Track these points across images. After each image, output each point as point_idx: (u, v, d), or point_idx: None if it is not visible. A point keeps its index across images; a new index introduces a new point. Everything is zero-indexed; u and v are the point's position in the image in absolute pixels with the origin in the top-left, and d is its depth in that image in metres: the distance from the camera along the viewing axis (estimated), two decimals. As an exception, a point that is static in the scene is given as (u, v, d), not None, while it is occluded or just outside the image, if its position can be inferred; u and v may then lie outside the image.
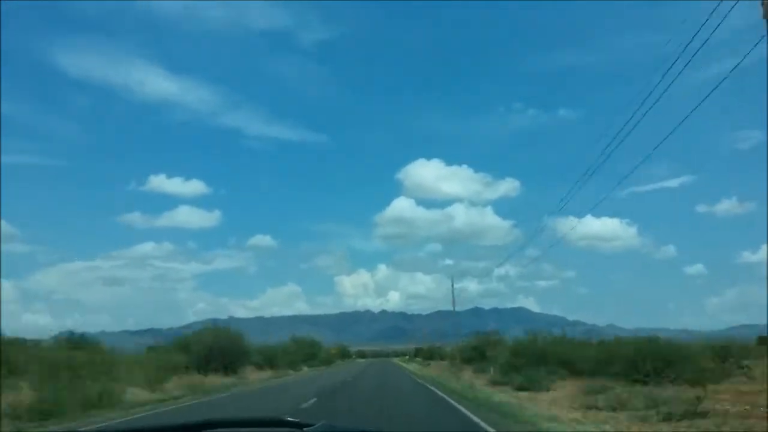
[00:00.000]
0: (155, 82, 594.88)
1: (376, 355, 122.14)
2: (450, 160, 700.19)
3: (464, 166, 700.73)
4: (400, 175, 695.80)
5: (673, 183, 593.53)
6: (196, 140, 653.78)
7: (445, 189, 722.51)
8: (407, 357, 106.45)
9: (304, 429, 2.13)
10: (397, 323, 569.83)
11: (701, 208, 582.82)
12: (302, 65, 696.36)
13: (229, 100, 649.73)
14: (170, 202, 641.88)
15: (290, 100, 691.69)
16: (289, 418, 2.27)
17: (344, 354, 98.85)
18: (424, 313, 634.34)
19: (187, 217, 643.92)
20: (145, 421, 14.04)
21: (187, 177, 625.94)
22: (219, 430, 2.25)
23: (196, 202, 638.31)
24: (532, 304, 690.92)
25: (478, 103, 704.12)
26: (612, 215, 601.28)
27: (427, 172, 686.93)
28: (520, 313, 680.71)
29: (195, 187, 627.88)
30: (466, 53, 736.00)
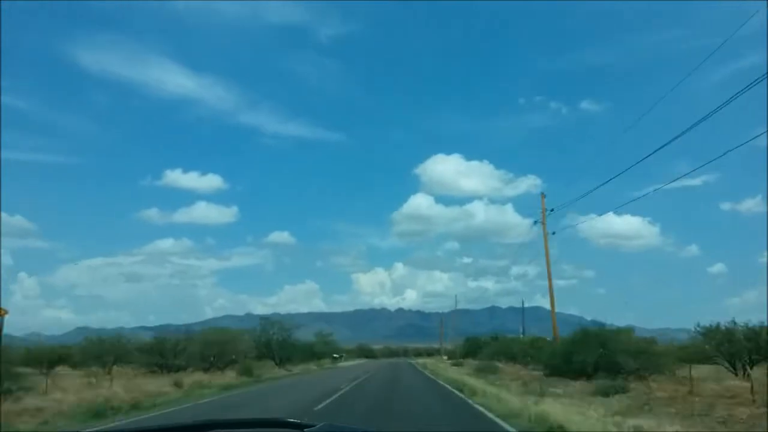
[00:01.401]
0: (174, 80, 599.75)
1: (391, 354, 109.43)
2: (470, 156, 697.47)
3: (485, 162, 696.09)
4: (418, 171, 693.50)
5: (695, 181, 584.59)
6: (213, 137, 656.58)
7: (464, 185, 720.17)
8: (445, 357, 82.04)
9: (305, 429, 2.11)
10: (414, 321, 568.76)
11: (722, 207, 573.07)
12: (319, 62, 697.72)
13: (246, 97, 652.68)
14: (188, 197, 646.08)
15: (307, 98, 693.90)
16: (290, 419, 2.24)
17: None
18: (441, 311, 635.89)
19: (205, 212, 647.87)
20: (146, 421, 14.08)
21: (205, 173, 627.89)
22: (220, 430, 2.23)
23: (214, 198, 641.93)
24: (548, 303, 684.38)
25: (499, 101, 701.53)
26: (634, 213, 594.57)
27: (446, 168, 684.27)
28: (537, 313, 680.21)
29: (213, 183, 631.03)
30: (486, 50, 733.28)
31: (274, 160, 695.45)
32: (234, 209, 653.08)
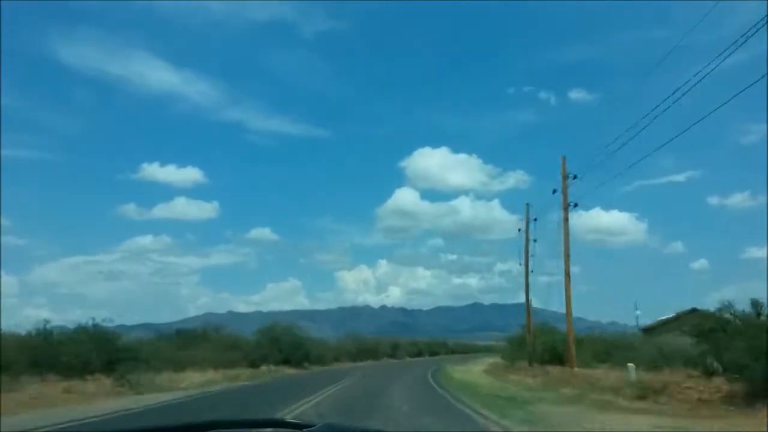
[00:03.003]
0: (156, 75, 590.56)
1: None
2: (457, 149, 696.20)
3: (473, 155, 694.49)
4: (404, 164, 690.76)
5: (680, 177, 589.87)
6: (195, 133, 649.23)
7: (450, 180, 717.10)
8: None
9: (304, 430, 2.10)
10: (397, 318, 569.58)
11: (706, 203, 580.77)
12: (304, 58, 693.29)
13: (229, 93, 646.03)
14: (167, 192, 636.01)
15: (291, 94, 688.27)
16: (289, 419, 2.23)
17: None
18: (425, 308, 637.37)
19: (185, 208, 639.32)
20: (146, 421, 13.47)
21: (184, 166, 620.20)
22: (220, 430, 2.20)
23: (194, 193, 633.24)
24: (533, 300, 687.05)
25: (485, 96, 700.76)
26: (622, 209, 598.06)
27: (433, 161, 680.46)
28: (520, 309, 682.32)
29: (192, 176, 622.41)
30: (473, 45, 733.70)
31: (257, 155, 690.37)
32: (215, 204, 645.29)
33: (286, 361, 40.40)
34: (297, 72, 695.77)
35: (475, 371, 43.63)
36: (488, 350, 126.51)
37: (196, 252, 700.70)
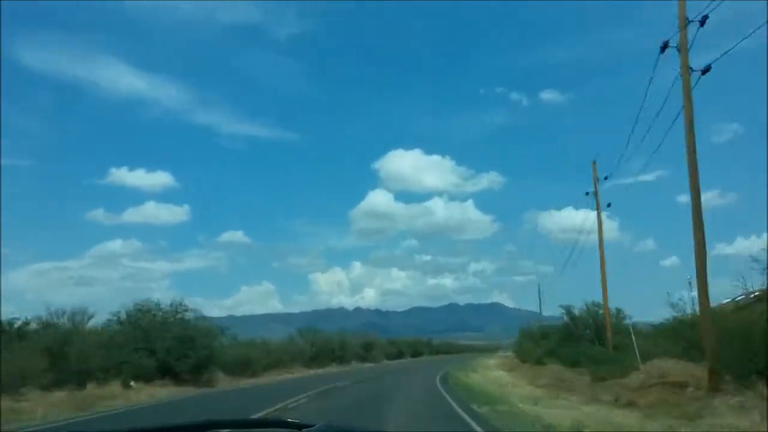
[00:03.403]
0: (124, 79, 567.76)
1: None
2: (431, 151, 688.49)
3: (447, 157, 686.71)
4: (377, 166, 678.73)
5: (650, 177, 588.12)
6: (165, 138, 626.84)
7: (424, 181, 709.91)
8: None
9: (304, 429, 2.08)
10: (371, 320, 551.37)
11: (676, 201, 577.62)
12: (276, 61, 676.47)
13: (200, 96, 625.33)
14: (136, 196, 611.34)
15: (263, 96, 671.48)
16: (288, 419, 2.22)
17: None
18: (399, 309, 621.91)
19: (155, 212, 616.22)
20: (146, 421, 12.51)
21: (153, 170, 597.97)
22: (219, 430, 2.17)
23: (165, 197, 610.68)
24: (506, 300, 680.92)
25: (458, 98, 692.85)
26: (592, 208, 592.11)
27: (406, 163, 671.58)
28: (496, 309, 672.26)
29: (163, 182, 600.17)
30: (445, 46, 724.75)
31: (228, 159, 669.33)
32: (186, 208, 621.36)
33: (167, 371, 21.65)
34: (268, 75, 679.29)
35: (509, 382, 26.12)
36: (477, 350, 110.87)
37: (167, 256, 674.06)
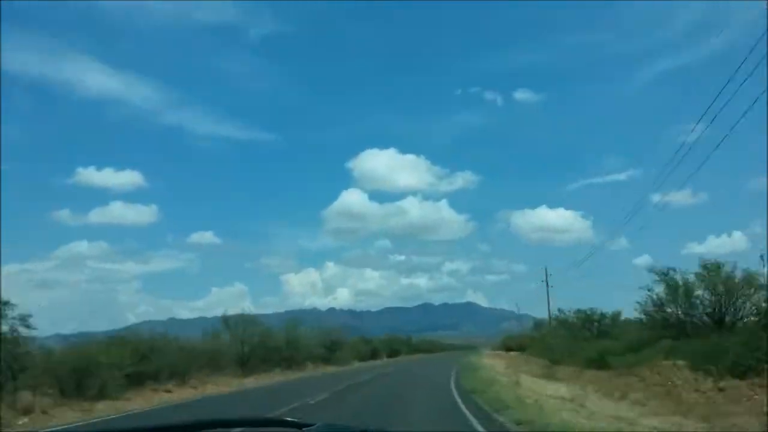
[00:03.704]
0: (94, 78, 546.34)
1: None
2: (405, 150, 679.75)
3: (421, 157, 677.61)
4: (351, 165, 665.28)
5: (622, 176, 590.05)
6: (136, 137, 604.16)
7: (398, 181, 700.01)
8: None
9: (303, 429, 2.06)
10: (345, 321, 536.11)
11: (648, 200, 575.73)
12: (251, 62, 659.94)
13: (173, 96, 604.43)
14: (105, 197, 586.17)
15: (236, 97, 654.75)
16: (288, 418, 2.18)
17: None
18: (373, 309, 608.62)
19: (123, 212, 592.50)
20: (145, 420, 12.41)
21: (123, 172, 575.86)
22: (218, 430, 2.14)
23: (134, 198, 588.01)
24: (481, 299, 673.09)
25: (433, 98, 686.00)
26: (567, 207, 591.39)
27: (380, 162, 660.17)
28: (470, 308, 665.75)
29: (132, 182, 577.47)
30: (420, 47, 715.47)
31: (200, 159, 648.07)
32: (154, 208, 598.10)
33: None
34: (242, 75, 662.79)
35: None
36: (460, 348, 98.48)
37: (136, 258, 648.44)
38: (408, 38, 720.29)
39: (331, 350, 42.52)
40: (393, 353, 67.31)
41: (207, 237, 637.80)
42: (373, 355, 56.64)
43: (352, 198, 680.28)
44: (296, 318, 41.79)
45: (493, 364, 39.41)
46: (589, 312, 32.95)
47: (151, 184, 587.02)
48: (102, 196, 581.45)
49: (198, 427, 2.11)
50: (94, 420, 13.83)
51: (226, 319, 31.06)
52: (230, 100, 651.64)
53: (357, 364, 48.60)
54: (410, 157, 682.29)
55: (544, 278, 56.51)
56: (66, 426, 12.87)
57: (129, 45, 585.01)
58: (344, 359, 44.86)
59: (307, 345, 37.75)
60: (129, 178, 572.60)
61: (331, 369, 38.66)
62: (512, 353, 77.24)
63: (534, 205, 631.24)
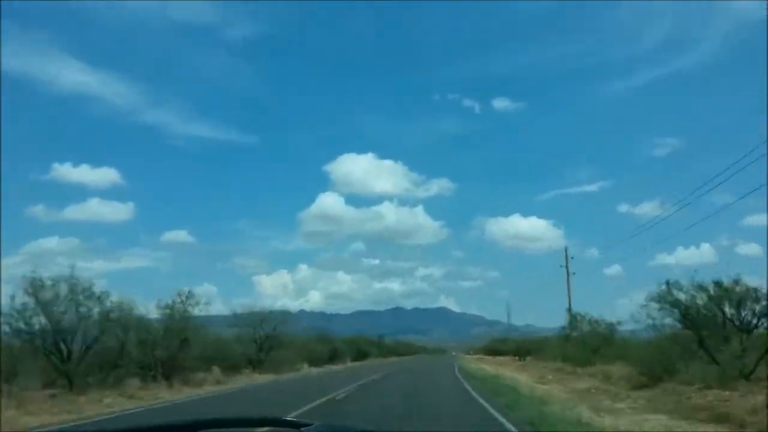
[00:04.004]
0: (70, 75, 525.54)
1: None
2: (383, 155, 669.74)
3: (399, 162, 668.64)
4: (328, 168, 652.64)
5: (593, 187, 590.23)
6: (113, 135, 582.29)
7: (375, 185, 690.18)
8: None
9: (302, 429, 2.01)
10: (315, 323, 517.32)
11: (617, 211, 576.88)
12: (229, 62, 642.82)
13: (150, 95, 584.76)
14: (81, 194, 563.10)
15: (215, 97, 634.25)
16: (287, 418, 2.14)
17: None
18: (344, 312, 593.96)
19: (99, 210, 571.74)
20: (144, 420, 10.02)
21: (99, 169, 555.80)
22: (218, 429, 2.16)
23: (109, 195, 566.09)
24: (453, 304, 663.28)
25: (413, 104, 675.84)
26: (540, 216, 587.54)
27: (357, 167, 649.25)
28: (441, 313, 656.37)
29: (108, 179, 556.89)
30: (400, 51, 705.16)
31: (177, 158, 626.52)
32: (130, 206, 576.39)
33: None
34: (220, 75, 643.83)
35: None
36: (436, 351, 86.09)
37: (107, 255, 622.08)
38: (388, 43, 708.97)
39: (261, 350, 28.29)
40: (360, 355, 53.63)
41: (181, 236, 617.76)
42: (332, 356, 42.74)
43: (329, 201, 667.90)
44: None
45: (518, 377, 25.89)
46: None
47: (127, 181, 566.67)
48: (79, 192, 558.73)
49: (197, 427, 2.09)
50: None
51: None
52: (207, 100, 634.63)
53: (308, 369, 34.80)
54: (388, 162, 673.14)
55: (564, 263, 43.23)
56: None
57: (106, 42, 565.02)
58: (286, 362, 30.82)
59: (228, 351, 23.38)
60: (106, 175, 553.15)
61: (260, 380, 24.65)
62: (500, 358, 65.13)
63: (507, 213, 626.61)
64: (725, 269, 17.53)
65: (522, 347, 55.38)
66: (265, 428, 2.11)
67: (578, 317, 29.75)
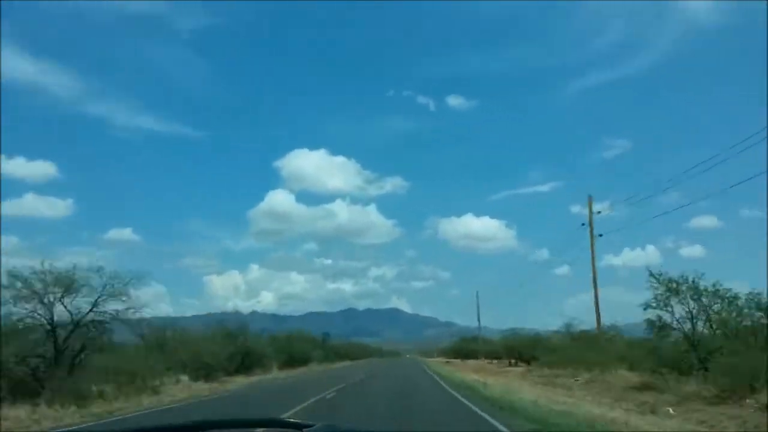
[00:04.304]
0: (9, 63, 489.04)
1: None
2: (336, 152, 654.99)
3: (352, 159, 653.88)
4: (279, 164, 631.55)
5: (544, 188, 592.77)
6: (53, 126, 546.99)
7: (327, 183, 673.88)
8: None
9: (304, 429, 2.05)
10: (267, 325, 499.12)
11: (569, 212, 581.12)
12: (180, 55, 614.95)
13: (93, 86, 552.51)
14: (16, 188, 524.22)
15: (163, 91, 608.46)
16: (289, 419, 2.19)
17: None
18: (296, 314, 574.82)
19: (35, 206, 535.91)
20: (144, 420, 12.24)
21: (35, 162, 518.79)
22: (217, 430, 2.18)
23: (46, 190, 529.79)
24: (405, 305, 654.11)
25: (366, 100, 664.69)
26: (492, 216, 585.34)
27: (310, 163, 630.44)
28: (393, 314, 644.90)
29: (45, 173, 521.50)
30: (353, 48, 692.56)
31: (121, 152, 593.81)
32: (70, 202, 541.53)
33: None
34: (170, 68, 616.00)
35: None
36: (389, 354, 73.97)
37: (46, 254, 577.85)
38: (342, 38, 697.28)
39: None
40: (296, 361, 38.71)
41: (125, 234, 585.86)
42: (244, 367, 27.59)
43: (279, 199, 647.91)
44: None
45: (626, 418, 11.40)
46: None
47: (66, 176, 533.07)
48: (13, 186, 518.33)
49: (201, 427, 2.10)
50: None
51: None
52: (155, 93, 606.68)
53: (197, 389, 19.85)
54: (340, 159, 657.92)
55: (587, 220, 29.47)
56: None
57: (48, 31, 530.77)
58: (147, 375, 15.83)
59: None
60: (42, 169, 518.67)
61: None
62: (473, 362, 51.74)
63: (460, 213, 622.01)
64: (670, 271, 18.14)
65: (514, 348, 41.40)
66: (267, 429, 2.18)
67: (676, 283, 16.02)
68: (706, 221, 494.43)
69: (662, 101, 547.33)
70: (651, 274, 17.88)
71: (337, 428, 2.19)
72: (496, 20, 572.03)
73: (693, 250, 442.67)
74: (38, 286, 16.00)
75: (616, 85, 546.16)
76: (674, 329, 17.60)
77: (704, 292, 16.76)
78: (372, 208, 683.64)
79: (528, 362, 38.97)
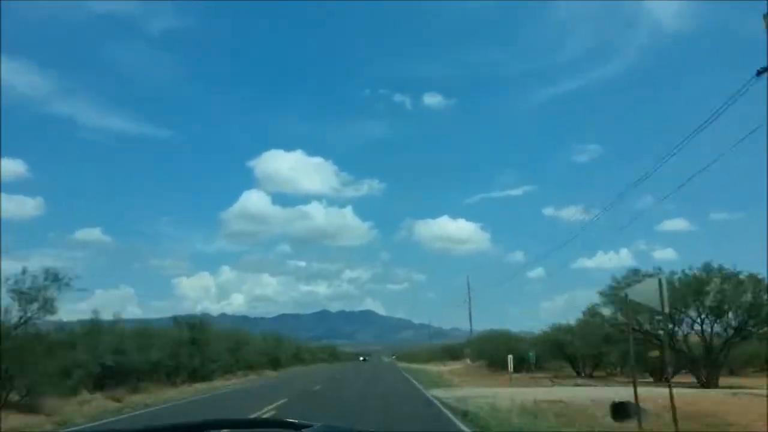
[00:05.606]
0: None
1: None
2: (312, 153, 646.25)
3: (329, 161, 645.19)
4: (252, 164, 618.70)
5: (518, 191, 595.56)
6: (21, 125, 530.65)
7: (302, 184, 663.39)
8: None
9: (303, 430, 2.00)
10: (237, 327, 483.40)
11: (542, 215, 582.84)
12: (149, 55, 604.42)
13: (63, 86, 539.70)
14: None
15: (133, 91, 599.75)
16: (287, 419, 2.16)
17: None
18: (268, 316, 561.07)
19: (5, 204, 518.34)
20: (143, 421, 12.84)
21: (5, 161, 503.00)
22: (216, 431, 2.09)
23: (15, 188, 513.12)
24: (379, 307, 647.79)
25: (343, 101, 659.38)
26: (468, 218, 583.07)
27: (285, 164, 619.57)
28: (367, 316, 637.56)
29: (14, 171, 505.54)
30: (330, 51, 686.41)
31: (91, 152, 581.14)
32: (39, 201, 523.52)
33: None
34: (140, 68, 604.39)
35: None
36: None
37: (12, 254, 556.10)
38: (318, 38, 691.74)
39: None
40: (236, 366, 28.81)
41: (94, 234, 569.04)
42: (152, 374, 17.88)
43: (254, 200, 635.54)
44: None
45: None
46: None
47: (36, 175, 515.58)
48: None
49: (195, 428, 2.09)
50: None
51: None
52: (125, 93, 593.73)
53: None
54: (317, 160, 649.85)
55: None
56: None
57: (16, 29, 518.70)
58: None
59: None
60: (11, 166, 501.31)
61: None
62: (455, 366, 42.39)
63: (436, 215, 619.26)
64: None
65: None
66: (266, 429, 2.12)
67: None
68: (678, 224, 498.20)
69: (632, 106, 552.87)
70: None
71: (335, 428, 2.18)
72: (467, 25, 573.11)
73: (665, 253, 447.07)
74: None
75: (587, 91, 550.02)
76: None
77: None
78: (348, 210, 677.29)
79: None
